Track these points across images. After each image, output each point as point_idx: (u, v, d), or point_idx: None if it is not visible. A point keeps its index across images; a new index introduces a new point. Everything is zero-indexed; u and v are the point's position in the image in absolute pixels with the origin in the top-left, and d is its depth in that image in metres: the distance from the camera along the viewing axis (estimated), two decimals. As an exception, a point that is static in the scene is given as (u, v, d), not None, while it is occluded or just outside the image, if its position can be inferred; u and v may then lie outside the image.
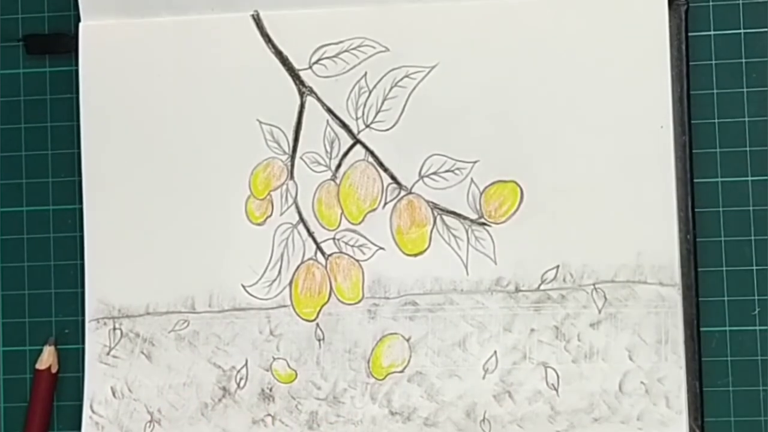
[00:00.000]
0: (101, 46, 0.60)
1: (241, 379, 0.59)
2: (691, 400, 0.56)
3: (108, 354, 0.59)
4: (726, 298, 0.57)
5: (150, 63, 0.60)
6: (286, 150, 0.59)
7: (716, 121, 0.57)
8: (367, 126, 0.58)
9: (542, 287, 0.57)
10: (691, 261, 0.56)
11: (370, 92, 0.58)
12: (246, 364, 0.59)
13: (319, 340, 0.58)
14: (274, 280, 0.59)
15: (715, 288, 0.57)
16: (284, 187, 0.59)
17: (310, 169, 0.59)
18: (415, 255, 0.58)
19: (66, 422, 0.60)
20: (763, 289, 0.56)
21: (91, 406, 0.59)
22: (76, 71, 0.60)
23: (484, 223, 0.57)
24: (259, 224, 0.59)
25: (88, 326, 0.59)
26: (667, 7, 0.56)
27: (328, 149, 0.58)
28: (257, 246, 0.59)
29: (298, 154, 0.59)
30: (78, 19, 0.60)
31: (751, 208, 0.57)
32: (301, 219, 0.58)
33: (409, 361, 0.58)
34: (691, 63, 0.56)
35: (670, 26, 0.56)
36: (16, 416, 0.60)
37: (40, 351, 0.60)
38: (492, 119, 0.57)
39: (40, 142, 0.61)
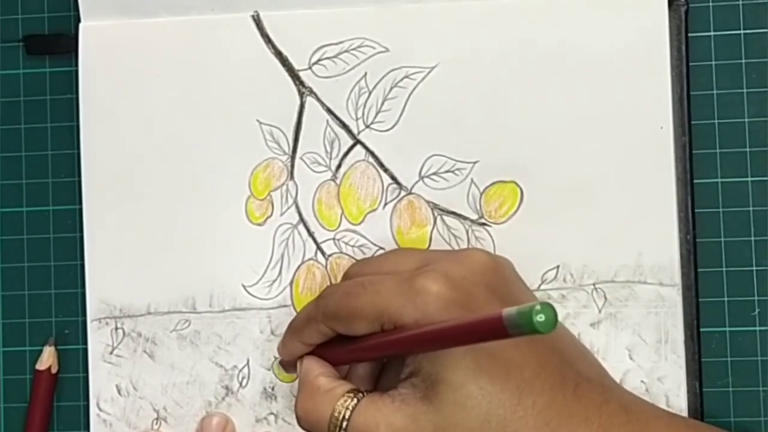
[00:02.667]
0: (101, 47, 0.60)
1: (243, 378, 0.59)
2: (691, 401, 0.56)
3: (111, 353, 0.59)
4: (726, 299, 0.57)
5: (150, 63, 0.60)
6: (286, 150, 0.59)
7: (716, 121, 0.57)
8: (367, 126, 0.58)
9: (542, 287, 0.57)
10: (691, 261, 0.56)
11: (370, 93, 0.58)
12: (248, 363, 0.59)
13: (320, 340, 0.58)
14: (275, 280, 0.59)
15: (715, 288, 0.57)
16: (284, 187, 0.59)
17: (310, 169, 0.59)
18: (416, 255, 0.58)
19: (66, 423, 0.60)
20: (763, 289, 0.56)
21: (98, 405, 0.60)
22: (76, 72, 0.60)
23: (484, 224, 0.57)
24: (259, 224, 0.59)
25: (90, 326, 0.60)
26: (667, 7, 0.56)
27: (328, 149, 0.58)
28: (257, 246, 0.59)
29: (298, 154, 0.59)
30: (78, 20, 0.60)
31: (751, 208, 0.57)
32: (302, 219, 0.58)
33: (409, 361, 0.58)
34: (691, 63, 0.56)
35: (670, 27, 0.56)
36: (16, 417, 0.60)
37: (40, 351, 0.60)
38: (492, 120, 0.57)
39: (40, 142, 0.61)
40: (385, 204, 0.58)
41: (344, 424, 0.49)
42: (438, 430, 0.47)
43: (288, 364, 0.57)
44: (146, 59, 0.60)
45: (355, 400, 0.50)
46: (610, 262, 0.56)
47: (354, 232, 0.58)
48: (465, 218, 0.57)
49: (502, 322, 0.41)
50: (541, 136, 0.57)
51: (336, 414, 0.50)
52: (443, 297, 0.48)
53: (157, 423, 0.59)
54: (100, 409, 0.59)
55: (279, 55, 0.59)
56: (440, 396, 0.47)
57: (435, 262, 0.51)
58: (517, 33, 0.57)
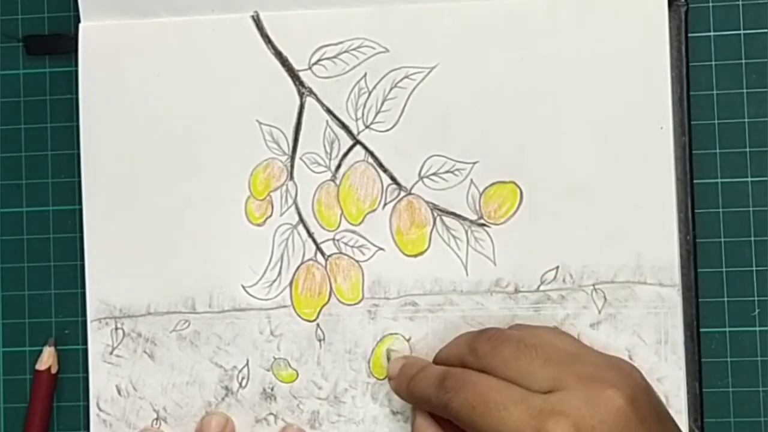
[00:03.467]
0: (101, 47, 0.60)
1: (242, 378, 0.59)
2: (691, 401, 0.56)
3: (111, 353, 0.59)
4: (726, 299, 0.56)
5: (150, 63, 0.60)
6: (286, 150, 0.59)
7: (716, 121, 0.57)
8: (367, 127, 0.58)
9: (542, 288, 0.57)
10: (691, 261, 0.56)
11: (370, 93, 0.58)
12: (247, 363, 0.59)
13: (320, 341, 0.58)
14: (274, 280, 0.59)
15: (715, 289, 0.57)
16: (284, 187, 0.59)
17: (310, 169, 0.59)
18: (415, 256, 0.58)
19: (66, 423, 0.60)
20: (762, 289, 0.56)
21: (97, 405, 0.60)
22: (76, 72, 0.60)
23: (483, 224, 0.57)
24: (258, 225, 0.59)
25: (90, 326, 0.60)
26: (667, 7, 0.56)
27: (328, 150, 0.58)
28: (257, 247, 0.59)
29: (298, 154, 0.59)
30: (78, 20, 0.60)
31: (751, 208, 0.57)
32: (301, 220, 0.58)
33: (409, 361, 0.58)
34: (690, 64, 0.56)
35: (670, 27, 0.56)
36: (16, 417, 0.60)
37: (40, 352, 0.60)
38: (491, 120, 0.57)
39: (40, 142, 0.61)
40: (385, 204, 0.58)
41: None
42: None
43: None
44: (146, 59, 0.60)
45: None
46: (609, 262, 0.56)
47: (353, 232, 0.58)
48: (464, 219, 0.57)
49: None
50: (541, 136, 0.57)
51: None
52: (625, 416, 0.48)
53: (157, 423, 0.59)
54: (100, 409, 0.59)
55: (279, 55, 0.59)
56: None
57: (567, 400, 0.49)
58: (516, 33, 0.57)
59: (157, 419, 0.59)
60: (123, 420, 0.59)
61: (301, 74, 0.58)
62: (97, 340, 0.59)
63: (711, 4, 0.57)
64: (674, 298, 0.56)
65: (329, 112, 0.58)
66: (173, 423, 0.59)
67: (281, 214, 0.59)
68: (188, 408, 0.59)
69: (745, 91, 0.57)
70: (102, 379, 0.60)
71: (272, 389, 0.59)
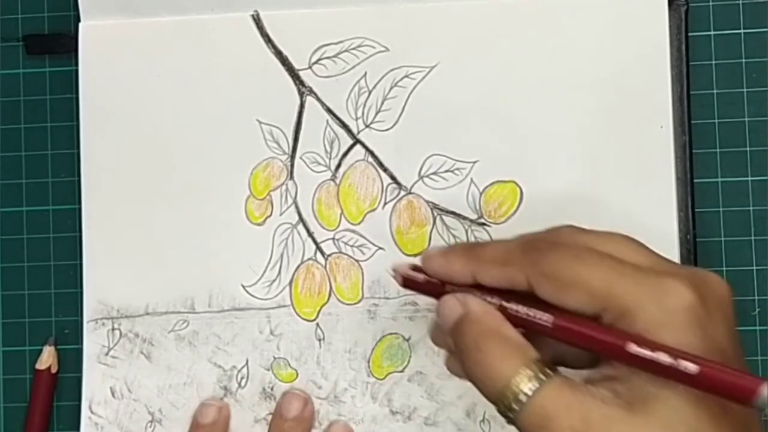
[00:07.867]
0: (101, 46, 0.60)
1: (242, 378, 0.59)
2: (691, 401, 0.56)
3: (107, 354, 0.59)
4: (726, 299, 0.57)
5: (150, 63, 0.60)
6: (286, 150, 0.59)
7: (716, 121, 0.57)
8: (367, 126, 0.58)
9: (542, 287, 0.57)
10: (691, 261, 0.56)
11: (370, 92, 0.58)
12: (246, 363, 0.59)
13: (320, 340, 0.58)
14: (274, 280, 0.59)
15: (715, 288, 0.57)
16: (284, 187, 0.59)
17: (310, 169, 0.59)
18: (415, 255, 0.58)
19: (66, 423, 0.60)
20: (763, 289, 0.56)
21: (90, 407, 0.59)
22: (76, 71, 0.60)
23: (483, 224, 0.57)
24: (258, 224, 0.59)
25: (87, 327, 0.59)
26: (667, 7, 0.56)
27: (328, 149, 0.58)
28: (257, 246, 0.59)
29: (298, 154, 0.59)
30: (78, 20, 0.60)
31: (751, 208, 0.57)
32: (301, 219, 0.58)
33: (409, 361, 0.58)
34: (691, 63, 0.56)
35: (670, 26, 0.56)
36: (16, 417, 0.60)
37: (40, 351, 0.60)
38: (492, 119, 0.57)
39: (40, 142, 0.61)
40: (385, 204, 0.58)
41: (528, 391, 0.42)
42: None
43: (428, 285, 0.49)
44: (146, 59, 0.60)
45: (550, 372, 0.43)
46: (609, 262, 0.56)
47: (353, 232, 0.58)
48: (464, 218, 0.57)
49: (754, 395, 0.38)
50: (541, 136, 0.57)
51: (522, 378, 0.43)
52: (695, 312, 0.42)
53: (151, 425, 0.59)
54: (92, 412, 0.59)
55: (279, 54, 0.59)
56: (654, 413, 0.41)
57: (678, 273, 0.43)
58: (517, 33, 0.57)
59: (151, 421, 0.59)
60: (115, 423, 0.59)
61: (301, 73, 0.59)
62: (93, 341, 0.59)
63: (711, 4, 0.57)
64: (674, 297, 0.56)
65: (329, 111, 0.58)
66: (168, 425, 0.59)
67: (281, 214, 0.59)
68: (185, 409, 0.59)
69: (745, 90, 0.57)
70: (96, 381, 0.59)
71: (272, 389, 0.59)
